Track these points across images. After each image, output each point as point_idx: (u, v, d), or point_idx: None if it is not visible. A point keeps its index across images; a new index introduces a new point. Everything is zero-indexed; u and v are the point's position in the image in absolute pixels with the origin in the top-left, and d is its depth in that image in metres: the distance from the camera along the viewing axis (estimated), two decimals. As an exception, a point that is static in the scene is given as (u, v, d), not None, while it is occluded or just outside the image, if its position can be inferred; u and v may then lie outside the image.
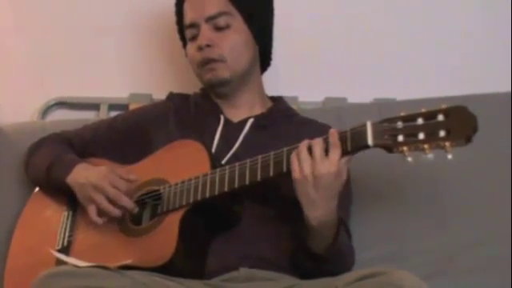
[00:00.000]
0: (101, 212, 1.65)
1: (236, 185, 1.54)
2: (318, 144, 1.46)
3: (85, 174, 1.68)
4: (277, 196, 1.64)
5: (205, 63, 1.75)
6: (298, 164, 1.46)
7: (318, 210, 1.47)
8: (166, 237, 1.55)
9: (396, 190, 1.86)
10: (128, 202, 1.62)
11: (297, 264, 1.61)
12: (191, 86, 1.92)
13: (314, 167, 1.44)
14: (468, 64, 2.15)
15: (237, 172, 1.54)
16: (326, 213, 1.48)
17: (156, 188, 1.64)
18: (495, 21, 2.18)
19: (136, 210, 1.63)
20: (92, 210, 1.65)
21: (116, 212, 1.63)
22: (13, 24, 2.22)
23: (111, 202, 1.62)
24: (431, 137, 1.35)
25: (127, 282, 1.39)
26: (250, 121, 1.76)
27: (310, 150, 1.46)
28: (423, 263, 1.78)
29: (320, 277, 1.50)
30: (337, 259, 1.57)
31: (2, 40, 2.21)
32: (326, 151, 1.45)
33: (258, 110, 1.80)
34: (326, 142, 1.46)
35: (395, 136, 1.39)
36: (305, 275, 1.59)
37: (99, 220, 1.65)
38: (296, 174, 1.46)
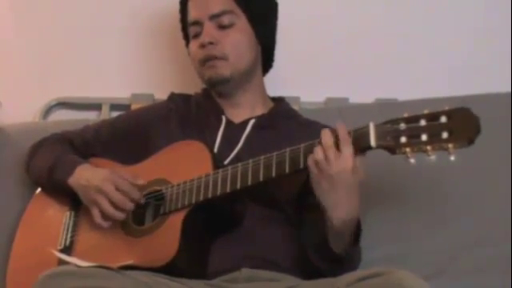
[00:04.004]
0: (104, 215, 1.65)
1: (238, 185, 1.54)
2: (329, 148, 1.45)
3: (87, 176, 1.68)
4: (278, 196, 1.64)
5: (206, 60, 1.75)
6: (315, 168, 1.46)
7: (341, 210, 1.47)
8: (168, 237, 1.55)
9: (397, 190, 1.87)
10: (131, 207, 1.62)
11: (308, 264, 1.60)
12: (193, 86, 1.92)
13: (330, 168, 1.44)
14: (468, 64, 2.16)
15: (239, 172, 1.54)
16: (348, 213, 1.48)
17: (158, 188, 1.64)
18: (495, 21, 2.18)
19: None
20: (96, 213, 1.65)
21: (120, 216, 1.62)
22: (14, 24, 2.22)
23: (115, 205, 1.62)
24: (434, 138, 1.36)
25: (129, 282, 1.39)
26: (252, 121, 1.76)
27: (324, 153, 1.45)
28: (424, 263, 1.77)
29: (330, 275, 1.50)
30: (352, 260, 1.57)
31: (3, 40, 2.21)
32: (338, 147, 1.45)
33: (260, 111, 1.80)
34: (336, 139, 1.45)
35: (398, 137, 1.39)
36: (312, 275, 1.58)
37: (104, 223, 1.64)
38: (315, 177, 1.46)
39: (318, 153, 1.46)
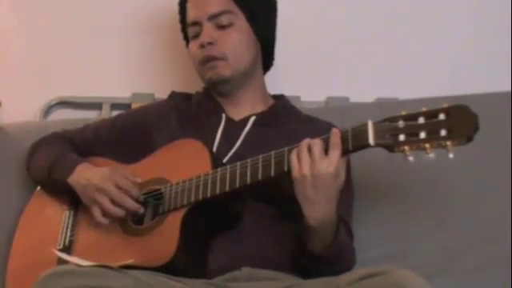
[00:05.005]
0: (105, 213, 1.65)
1: (237, 184, 1.54)
2: (317, 143, 1.46)
3: (87, 175, 1.68)
4: (278, 195, 1.63)
5: (206, 61, 1.76)
6: (297, 163, 1.46)
7: (317, 210, 1.47)
8: (167, 236, 1.55)
9: (397, 189, 1.86)
10: (133, 204, 1.62)
11: (297, 264, 1.61)
12: (193, 85, 1.92)
13: (313, 167, 1.45)
14: (468, 64, 2.16)
15: (238, 171, 1.54)
16: (324, 214, 1.48)
17: (157, 187, 1.64)
18: (495, 21, 2.18)
19: (141, 210, 1.63)
20: (97, 211, 1.65)
21: (120, 213, 1.62)
22: (15, 24, 2.22)
23: (115, 203, 1.62)
24: (432, 136, 1.35)
25: (130, 282, 1.39)
26: (252, 119, 1.76)
27: (309, 149, 1.47)
28: (424, 263, 1.77)
29: (321, 276, 1.50)
30: (336, 260, 1.56)
31: (3, 39, 2.20)
32: (326, 150, 1.46)
33: (260, 108, 1.80)
34: (326, 142, 1.46)
35: (396, 135, 1.39)
36: (306, 275, 1.59)
37: (105, 220, 1.64)
38: (295, 173, 1.46)
39: (303, 151, 1.46)
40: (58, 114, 2.20)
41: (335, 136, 1.46)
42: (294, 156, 1.47)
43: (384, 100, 2.10)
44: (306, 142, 1.48)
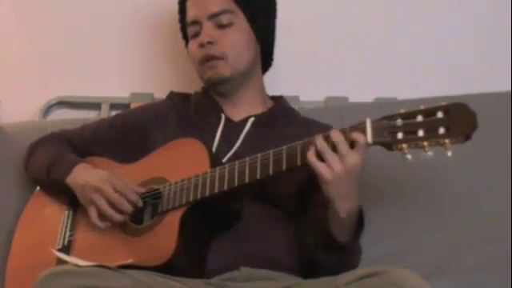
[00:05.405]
0: (101, 215, 1.64)
1: (236, 183, 1.54)
2: (340, 139, 1.43)
3: (85, 176, 1.68)
4: (277, 194, 1.64)
5: (206, 60, 1.76)
6: (324, 164, 1.44)
7: (348, 201, 1.47)
8: (166, 236, 1.55)
9: (395, 188, 1.87)
10: (129, 208, 1.62)
11: (308, 263, 1.60)
12: (192, 85, 1.92)
13: (345, 162, 1.43)
14: (468, 64, 2.16)
15: (236, 170, 1.54)
16: (353, 203, 1.48)
17: (156, 187, 1.64)
18: (495, 21, 2.19)
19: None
20: (93, 213, 1.65)
21: (117, 217, 1.62)
22: (14, 23, 2.22)
23: (112, 205, 1.62)
24: (431, 134, 1.35)
25: (129, 282, 1.39)
26: (251, 120, 1.76)
27: (334, 147, 1.44)
28: (423, 263, 1.77)
29: (330, 271, 1.50)
30: (354, 254, 1.58)
31: (3, 39, 2.21)
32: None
33: (259, 110, 1.80)
34: (344, 135, 1.44)
35: (395, 133, 1.39)
36: (308, 274, 1.58)
37: (100, 223, 1.64)
38: (327, 173, 1.43)
39: (327, 150, 1.44)
40: (58, 113, 2.20)
41: (362, 138, 1.43)
42: (314, 157, 1.44)
43: (383, 100, 2.11)
44: (320, 140, 1.45)
